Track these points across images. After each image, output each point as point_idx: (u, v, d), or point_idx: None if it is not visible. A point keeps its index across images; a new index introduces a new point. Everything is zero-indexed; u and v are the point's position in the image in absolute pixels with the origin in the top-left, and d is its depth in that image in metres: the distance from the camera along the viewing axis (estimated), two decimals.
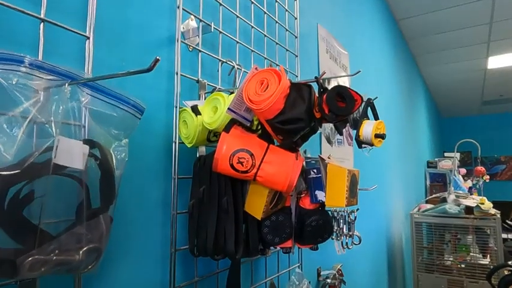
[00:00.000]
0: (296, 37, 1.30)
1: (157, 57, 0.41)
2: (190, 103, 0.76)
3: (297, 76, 1.28)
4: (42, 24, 0.54)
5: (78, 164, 0.44)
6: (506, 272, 1.93)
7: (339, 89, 0.66)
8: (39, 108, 0.39)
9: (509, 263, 1.89)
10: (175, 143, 0.77)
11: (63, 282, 0.56)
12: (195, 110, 0.74)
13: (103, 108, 0.51)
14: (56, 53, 0.58)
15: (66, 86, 0.44)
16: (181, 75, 0.79)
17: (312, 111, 0.67)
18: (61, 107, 0.42)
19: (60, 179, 0.44)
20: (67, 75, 0.47)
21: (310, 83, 0.70)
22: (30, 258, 0.41)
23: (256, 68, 0.68)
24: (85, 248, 0.47)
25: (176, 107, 0.77)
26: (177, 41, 0.79)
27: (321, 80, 0.70)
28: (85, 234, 0.46)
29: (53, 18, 0.56)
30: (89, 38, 0.61)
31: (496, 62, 4.31)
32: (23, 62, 0.41)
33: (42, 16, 0.54)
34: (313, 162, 0.90)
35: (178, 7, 0.79)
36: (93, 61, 0.61)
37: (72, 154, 0.43)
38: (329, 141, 1.62)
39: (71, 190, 0.46)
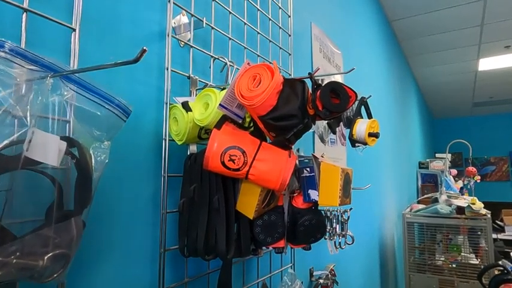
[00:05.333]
0: (289, 35, 1.28)
1: (144, 48, 0.39)
2: (181, 99, 0.75)
3: (290, 74, 1.27)
4: (24, 14, 0.52)
5: (53, 160, 0.40)
6: (496, 272, 1.94)
7: (333, 85, 0.64)
8: (17, 98, 0.36)
9: (500, 262, 1.91)
10: (166, 140, 0.75)
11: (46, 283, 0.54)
12: (186, 106, 0.72)
13: (87, 105, 0.48)
14: (40, 46, 0.55)
15: (48, 78, 0.41)
16: (171, 70, 0.77)
17: (305, 107, 0.66)
18: (40, 98, 0.39)
19: (32, 175, 0.40)
20: (50, 67, 0.44)
21: (304, 79, 0.69)
22: None
23: (248, 63, 0.66)
24: (51, 254, 0.41)
25: (166, 103, 0.75)
26: (168, 35, 0.77)
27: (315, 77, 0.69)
28: (52, 238, 0.41)
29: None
30: (75, 30, 0.59)
31: (487, 64, 4.36)
32: (2, 47, 0.38)
33: (25, 6, 0.52)
34: (307, 161, 0.88)
35: (169, 1, 0.78)
36: (79, 55, 0.59)
37: (46, 149, 0.39)
38: (322, 140, 1.61)
39: (42, 188, 0.42)
